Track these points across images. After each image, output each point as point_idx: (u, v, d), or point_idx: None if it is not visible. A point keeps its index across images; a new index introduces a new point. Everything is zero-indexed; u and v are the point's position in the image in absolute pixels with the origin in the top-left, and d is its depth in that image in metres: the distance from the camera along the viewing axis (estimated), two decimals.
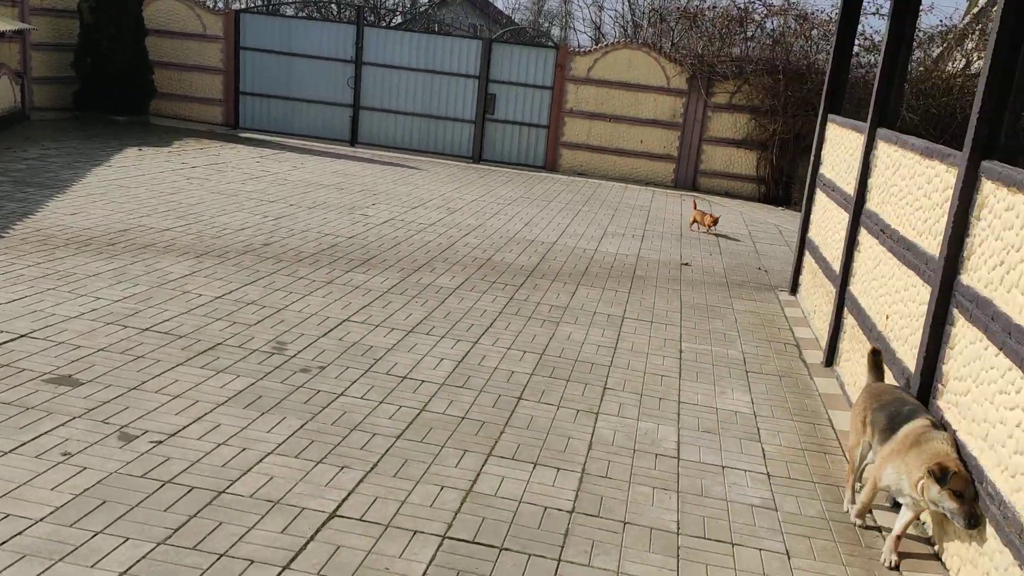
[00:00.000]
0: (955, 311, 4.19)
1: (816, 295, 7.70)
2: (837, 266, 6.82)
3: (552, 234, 10.46)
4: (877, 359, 4.67)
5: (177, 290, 6.51)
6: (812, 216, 8.48)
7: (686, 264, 9.65)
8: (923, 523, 4.19)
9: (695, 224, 11.77)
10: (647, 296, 8.06)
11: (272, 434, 4.40)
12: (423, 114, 16.67)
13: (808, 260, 8.37)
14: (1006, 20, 4.04)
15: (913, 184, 5.28)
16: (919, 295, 4.78)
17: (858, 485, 4.44)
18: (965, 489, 3.49)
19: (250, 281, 6.97)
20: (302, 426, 4.53)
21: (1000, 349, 3.60)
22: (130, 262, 7.08)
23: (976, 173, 4.16)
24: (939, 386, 4.27)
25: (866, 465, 4.39)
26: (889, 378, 4.91)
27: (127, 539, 3.37)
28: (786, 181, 15.52)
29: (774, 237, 12.13)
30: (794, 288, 8.74)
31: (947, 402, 4.14)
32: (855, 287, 6.31)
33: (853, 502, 4.31)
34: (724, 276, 9.28)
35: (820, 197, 8.25)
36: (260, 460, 4.12)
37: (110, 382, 4.77)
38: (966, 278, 4.13)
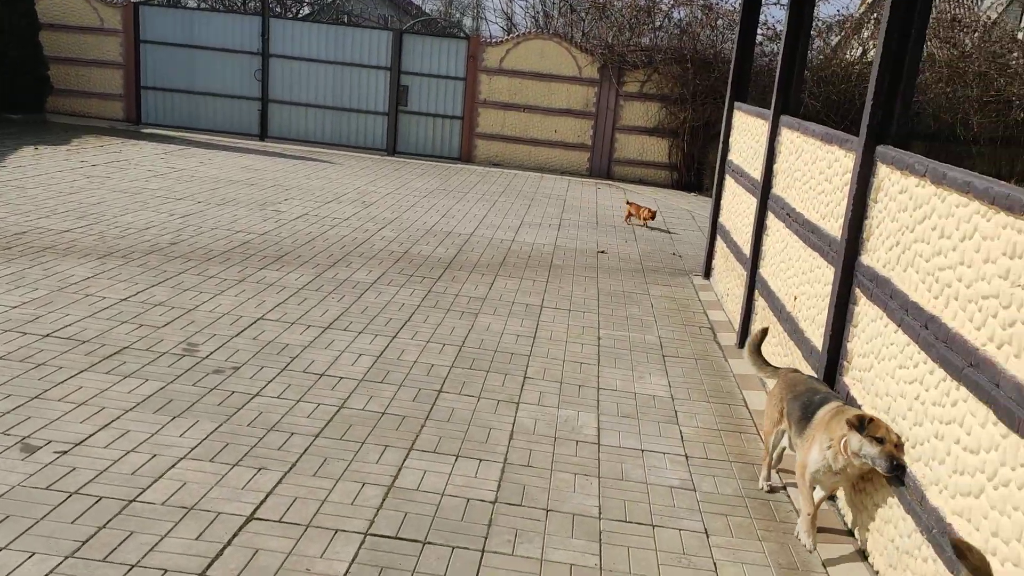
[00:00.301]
0: (857, 291, 4.36)
1: (728, 279, 7.90)
2: (747, 250, 7.00)
3: (469, 225, 10.44)
4: None
5: (79, 293, 6.26)
6: (722, 202, 8.69)
7: (602, 252, 9.77)
8: (836, 499, 4.35)
9: (631, 218, 11.87)
10: (565, 285, 8.13)
11: (184, 438, 4.27)
12: (334, 107, 16.42)
13: (720, 245, 8.57)
14: (895, 10, 4.20)
15: (815, 169, 5.45)
16: (824, 276, 4.95)
17: (774, 461, 4.59)
18: (885, 435, 3.56)
19: (157, 282, 6.75)
20: (216, 429, 4.42)
21: (899, 326, 3.76)
22: (28, 266, 6.77)
23: (872, 157, 4.33)
24: (844, 363, 4.44)
25: (783, 448, 4.52)
26: (799, 359, 5.07)
27: (33, 554, 3.23)
28: (697, 168, 15.86)
29: (687, 223, 12.38)
30: (707, 272, 8.94)
31: (852, 378, 4.31)
32: (765, 270, 6.49)
33: (768, 479, 4.45)
34: (640, 263, 9.43)
35: (729, 183, 8.45)
36: (172, 466, 4.00)
37: (9, 392, 4.56)
38: (866, 259, 4.30)
